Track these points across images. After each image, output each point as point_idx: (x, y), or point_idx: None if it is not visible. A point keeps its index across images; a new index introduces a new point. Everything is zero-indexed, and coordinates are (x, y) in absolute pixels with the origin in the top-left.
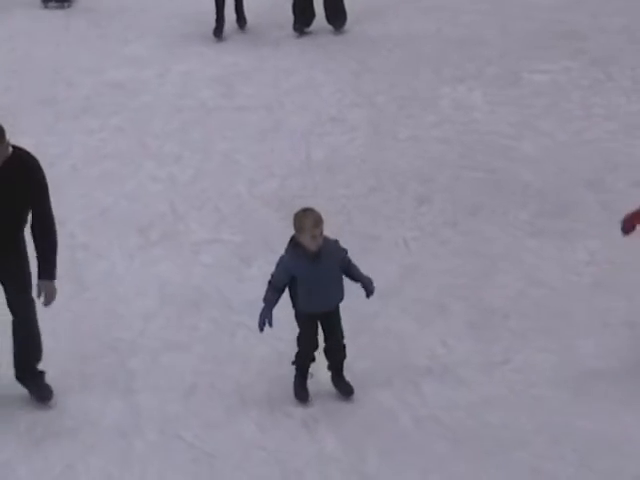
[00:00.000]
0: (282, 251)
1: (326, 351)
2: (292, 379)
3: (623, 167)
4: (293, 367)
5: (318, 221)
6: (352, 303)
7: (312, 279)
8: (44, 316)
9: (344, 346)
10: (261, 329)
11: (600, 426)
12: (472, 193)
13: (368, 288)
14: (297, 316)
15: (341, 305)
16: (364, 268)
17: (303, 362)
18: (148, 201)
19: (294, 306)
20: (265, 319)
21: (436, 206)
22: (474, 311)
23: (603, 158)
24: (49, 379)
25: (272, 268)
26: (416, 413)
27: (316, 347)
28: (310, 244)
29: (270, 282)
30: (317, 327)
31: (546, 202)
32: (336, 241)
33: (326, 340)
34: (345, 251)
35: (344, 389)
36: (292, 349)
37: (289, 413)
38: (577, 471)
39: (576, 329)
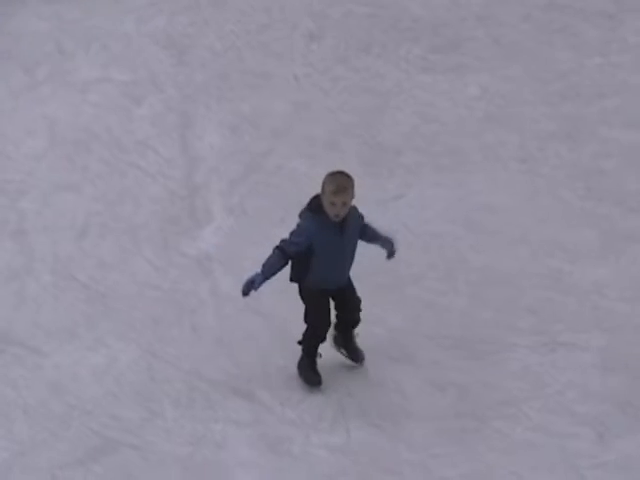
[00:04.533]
0: (173, 91)
1: (338, 323)
2: None
3: (513, 1)
4: (299, 347)
5: (342, 188)
6: (242, 142)
7: (333, 251)
8: None
9: (359, 319)
10: (245, 294)
11: (493, 260)
12: (363, 29)
13: (388, 250)
14: (305, 292)
15: (226, 145)
16: (255, 105)
17: (314, 343)
18: (33, 39)
19: (298, 281)
20: (254, 288)
21: (327, 42)
22: (367, 148)
23: None
24: None
25: (162, 107)
26: None
27: (329, 325)
28: (328, 211)
29: (279, 247)
30: (329, 304)
31: (438, 37)
32: (355, 208)
33: (341, 313)
34: (362, 218)
35: (355, 355)
36: (183, 188)
37: (183, 252)
38: (470, 304)
39: (468, 164)
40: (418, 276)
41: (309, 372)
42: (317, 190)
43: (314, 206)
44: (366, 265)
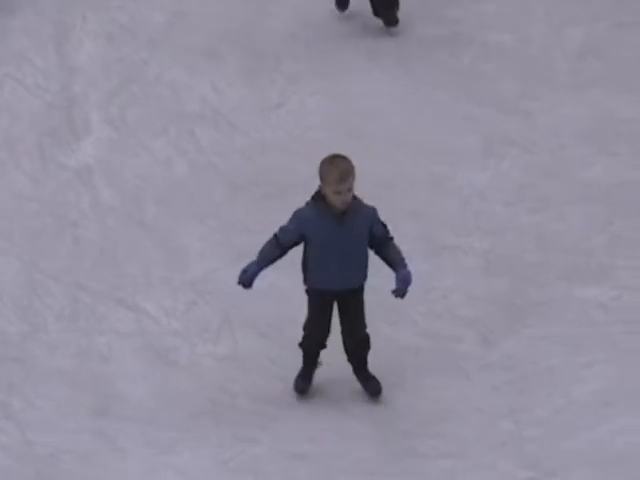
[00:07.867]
0: (47, 1)
1: (344, 341)
2: None
3: None
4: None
5: (346, 174)
6: (119, 52)
7: (330, 244)
8: None
9: (367, 338)
10: (243, 285)
11: (375, 165)
12: None
13: (399, 282)
14: (308, 295)
15: (104, 55)
16: (132, 14)
17: (309, 349)
18: None
19: (305, 280)
20: (249, 278)
21: None
22: (246, 55)
23: None
24: None
25: (37, 17)
26: (192, 159)
27: (326, 335)
28: (334, 201)
29: (276, 235)
30: (330, 311)
31: None
32: (361, 202)
33: (343, 329)
34: (375, 212)
35: (370, 388)
36: None
37: (62, 164)
38: None
39: (348, 70)
40: (301, 183)
41: (298, 378)
42: (196, 99)
43: (316, 195)
44: (246, 174)
